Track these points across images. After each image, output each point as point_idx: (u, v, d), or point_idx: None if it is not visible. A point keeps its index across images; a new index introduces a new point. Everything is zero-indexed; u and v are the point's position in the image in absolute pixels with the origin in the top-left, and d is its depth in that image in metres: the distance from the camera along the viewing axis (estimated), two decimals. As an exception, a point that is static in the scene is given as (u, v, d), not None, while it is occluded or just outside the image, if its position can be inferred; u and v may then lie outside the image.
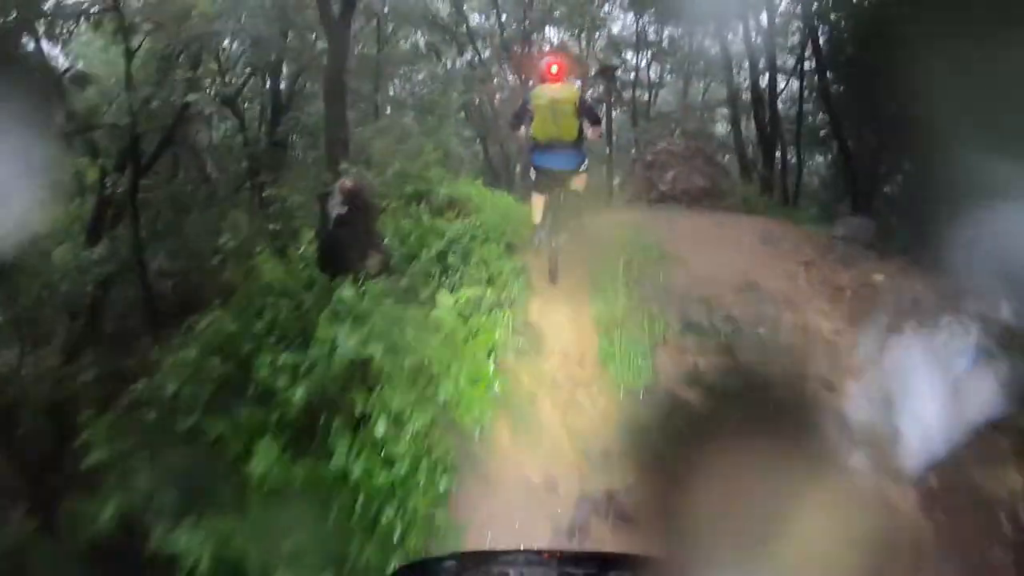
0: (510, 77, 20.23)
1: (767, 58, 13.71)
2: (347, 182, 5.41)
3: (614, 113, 19.05)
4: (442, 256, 5.89)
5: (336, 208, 5.09)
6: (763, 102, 13.93)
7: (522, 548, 2.51)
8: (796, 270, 5.63)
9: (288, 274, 4.93)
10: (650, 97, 21.47)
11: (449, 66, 20.21)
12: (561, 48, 19.97)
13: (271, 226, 7.44)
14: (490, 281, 5.40)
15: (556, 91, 5.25)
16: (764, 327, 4.49)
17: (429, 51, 19.56)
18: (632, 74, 20.05)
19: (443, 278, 5.46)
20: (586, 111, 5.42)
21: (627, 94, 19.78)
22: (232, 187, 12.33)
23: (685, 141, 12.02)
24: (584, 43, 20.68)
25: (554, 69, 5.35)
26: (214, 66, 13.02)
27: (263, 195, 9.38)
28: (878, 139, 11.00)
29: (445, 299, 4.64)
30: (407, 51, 19.06)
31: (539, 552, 2.27)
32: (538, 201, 5.52)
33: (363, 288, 4.34)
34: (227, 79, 13.51)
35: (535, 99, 5.24)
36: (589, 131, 5.57)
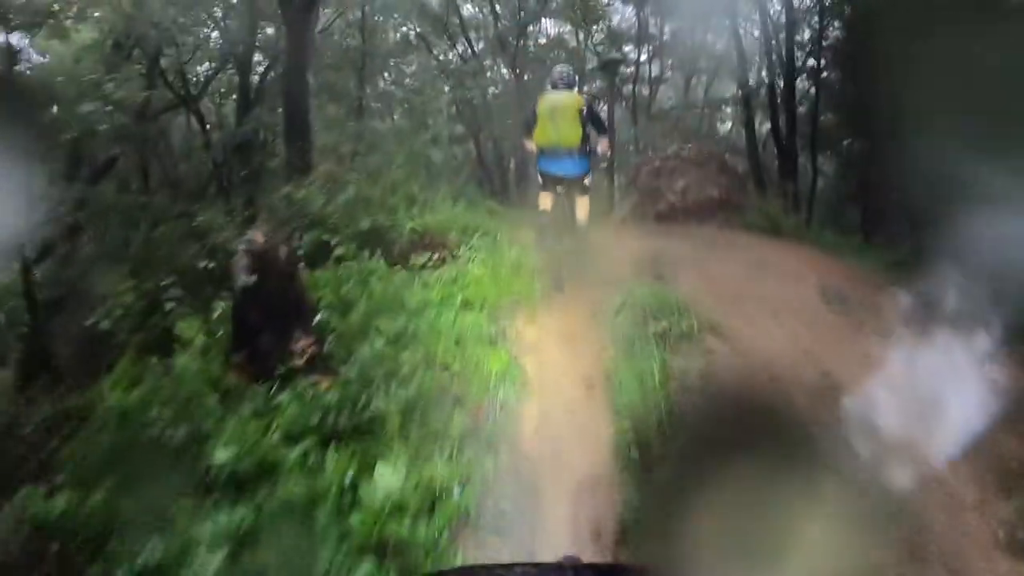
0: (505, 71, 18.75)
1: (785, 52, 12.12)
2: (257, 237, 3.82)
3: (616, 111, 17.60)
4: (396, 343, 4.08)
5: (242, 276, 3.53)
6: (779, 102, 12.38)
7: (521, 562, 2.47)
8: (879, 353, 4.07)
9: (178, 379, 3.27)
10: (651, 93, 19.92)
11: (441, 59, 18.52)
12: (558, 42, 18.99)
13: (204, 264, 5.69)
14: (460, 403, 3.68)
15: (559, 98, 5.40)
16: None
17: (419, 43, 17.96)
18: (632, 69, 18.38)
19: (387, 392, 3.56)
20: (592, 119, 5.49)
21: (627, 88, 18.20)
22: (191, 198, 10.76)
23: (697, 145, 10.39)
24: (582, 36, 19.14)
25: (565, 82, 5.58)
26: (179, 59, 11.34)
27: (192, 224, 7.28)
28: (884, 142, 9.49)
29: (385, 479, 2.86)
30: (396, 43, 17.38)
31: (537, 565, 2.15)
32: (545, 197, 5.62)
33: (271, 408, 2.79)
34: (190, 75, 11.83)
35: (540, 106, 5.39)
36: (598, 143, 5.65)
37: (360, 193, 6.16)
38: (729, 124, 18.44)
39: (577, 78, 6.46)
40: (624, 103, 18.60)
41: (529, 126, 5.52)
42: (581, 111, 5.30)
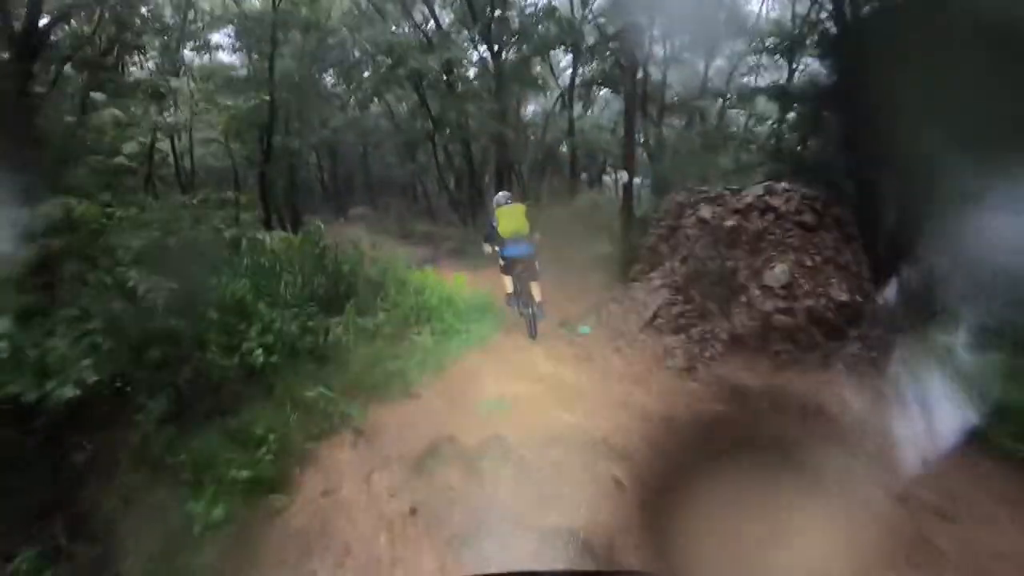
0: (481, 49, 13.72)
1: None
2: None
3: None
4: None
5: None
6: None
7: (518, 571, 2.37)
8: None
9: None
10: (664, 77, 14.95)
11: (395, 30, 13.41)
12: (548, 11, 13.98)
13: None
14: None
15: (510, 208, 6.91)
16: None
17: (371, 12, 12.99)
18: (645, 47, 13.33)
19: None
20: (530, 219, 6.84)
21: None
22: None
23: (787, 184, 5.51)
24: (579, 4, 14.08)
25: (509, 201, 7.10)
26: None
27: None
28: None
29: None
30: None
31: (534, 573, 2.21)
32: (507, 279, 6.96)
33: None
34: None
35: (498, 215, 6.88)
36: (535, 236, 6.89)
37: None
38: (770, 123, 13.37)
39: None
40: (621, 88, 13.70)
41: (491, 236, 6.95)
42: (525, 212, 6.82)
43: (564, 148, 16.95)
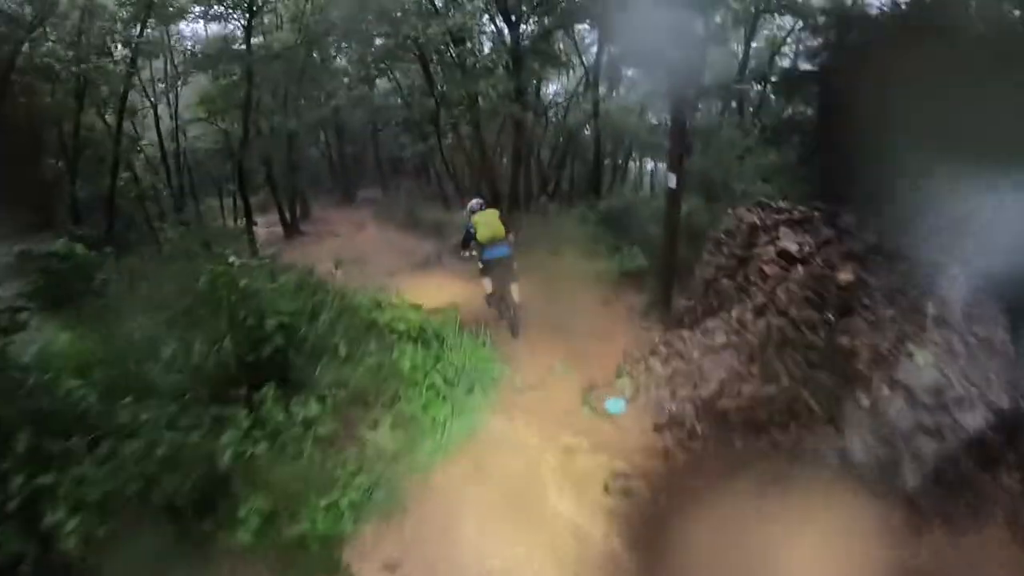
0: (497, 20, 11.96)
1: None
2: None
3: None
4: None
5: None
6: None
7: None
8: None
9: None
10: (703, 57, 13.24)
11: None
12: None
13: None
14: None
15: (486, 213, 7.14)
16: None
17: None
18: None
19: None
20: (504, 224, 7.12)
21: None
22: None
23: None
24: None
25: (483, 207, 7.39)
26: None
27: None
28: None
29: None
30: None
31: None
32: (486, 281, 7.12)
33: None
34: None
35: (476, 222, 7.05)
36: (511, 237, 7.15)
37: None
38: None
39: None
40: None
41: (468, 240, 7.22)
42: (499, 215, 7.10)
43: (587, 132, 15.19)
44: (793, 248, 4.35)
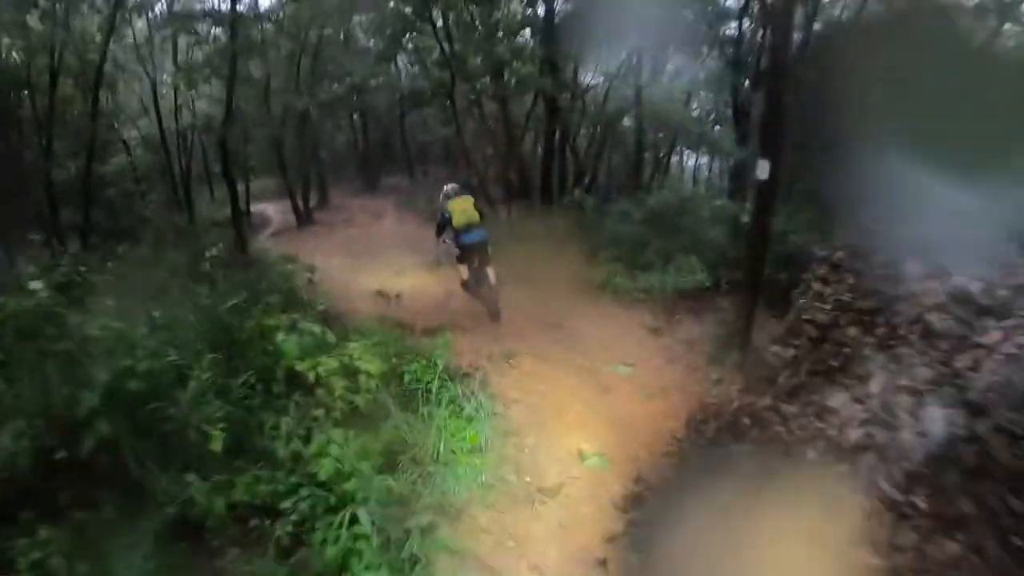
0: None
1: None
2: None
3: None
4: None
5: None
6: None
7: None
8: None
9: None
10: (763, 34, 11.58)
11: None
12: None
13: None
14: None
15: (461, 199, 7.02)
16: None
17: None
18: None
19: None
20: (478, 209, 7.12)
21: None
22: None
23: None
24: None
25: (458, 192, 7.18)
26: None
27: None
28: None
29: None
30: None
31: None
32: (462, 267, 7.06)
33: None
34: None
35: (451, 208, 6.94)
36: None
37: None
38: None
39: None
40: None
41: (443, 226, 7.07)
42: (474, 202, 7.03)
43: (626, 122, 13.47)
44: (976, 290, 2.72)
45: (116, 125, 10.35)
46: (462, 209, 6.97)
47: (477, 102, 11.16)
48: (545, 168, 12.21)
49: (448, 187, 7.45)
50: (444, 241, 7.21)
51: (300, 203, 13.93)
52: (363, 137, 17.97)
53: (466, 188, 7.56)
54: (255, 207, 16.66)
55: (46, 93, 8.37)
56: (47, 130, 8.45)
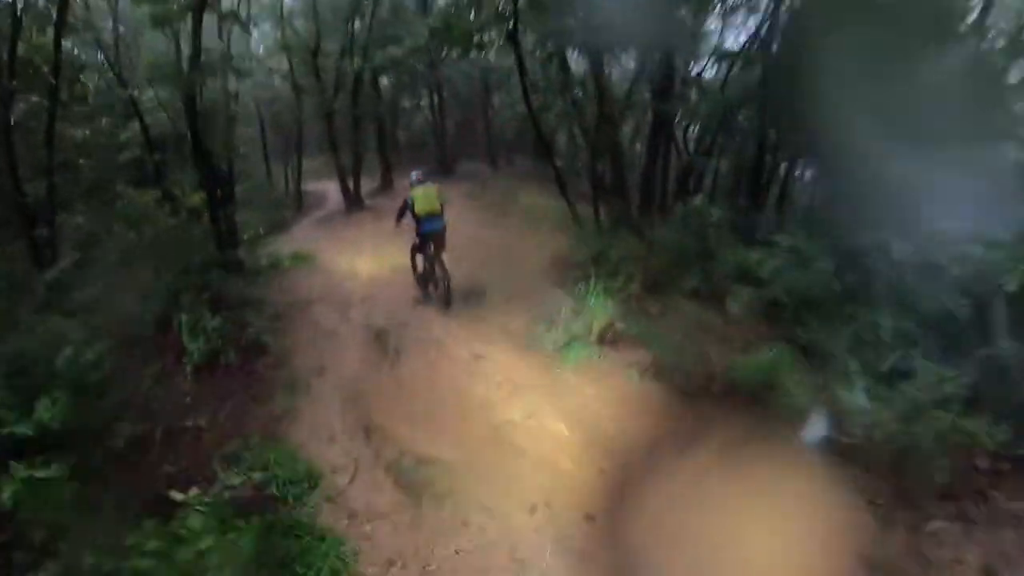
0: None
1: None
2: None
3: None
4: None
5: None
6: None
7: None
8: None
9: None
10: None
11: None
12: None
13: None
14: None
15: (424, 188, 7.04)
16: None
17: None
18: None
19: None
20: (439, 199, 7.16)
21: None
22: None
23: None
24: None
25: (421, 178, 7.24)
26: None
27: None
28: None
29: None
30: None
31: None
32: (419, 258, 7.32)
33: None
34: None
35: (413, 195, 6.95)
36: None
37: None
38: None
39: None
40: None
41: (403, 212, 7.04)
42: (437, 190, 7.06)
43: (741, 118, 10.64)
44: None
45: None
46: (425, 196, 6.91)
47: (560, 58, 8.86)
48: (648, 163, 9.73)
49: (415, 173, 7.35)
50: (398, 227, 7.14)
51: (351, 184, 11.98)
52: (439, 116, 15.85)
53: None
54: (316, 185, 15.05)
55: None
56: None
